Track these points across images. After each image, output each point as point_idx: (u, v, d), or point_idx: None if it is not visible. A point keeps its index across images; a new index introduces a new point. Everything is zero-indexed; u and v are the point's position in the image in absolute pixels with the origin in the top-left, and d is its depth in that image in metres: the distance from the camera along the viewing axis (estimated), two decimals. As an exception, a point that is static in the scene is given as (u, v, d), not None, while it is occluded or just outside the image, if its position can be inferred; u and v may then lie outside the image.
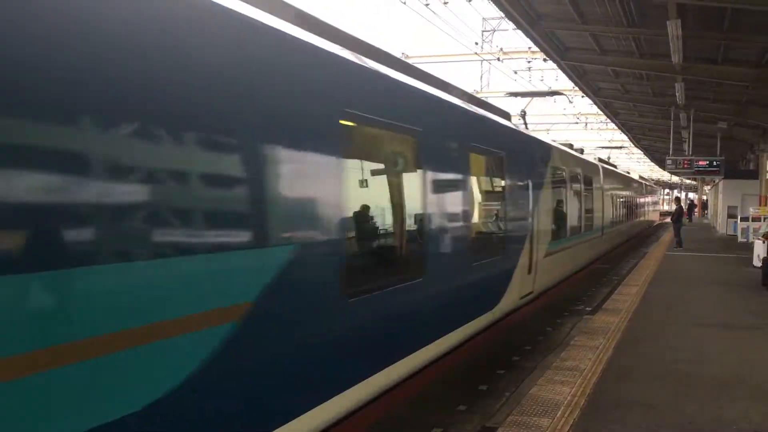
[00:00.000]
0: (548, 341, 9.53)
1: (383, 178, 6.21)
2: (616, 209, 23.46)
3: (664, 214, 70.24)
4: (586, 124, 44.19)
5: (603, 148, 43.29)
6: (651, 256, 22.57)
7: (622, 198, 25.94)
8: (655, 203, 54.11)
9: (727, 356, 8.58)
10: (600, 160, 23.54)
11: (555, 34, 18.98)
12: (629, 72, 23.09)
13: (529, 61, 26.17)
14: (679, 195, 50.80)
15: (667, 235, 33.16)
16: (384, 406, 6.35)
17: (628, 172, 36.90)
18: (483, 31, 30.01)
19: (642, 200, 36.79)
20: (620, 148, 46.77)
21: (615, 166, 29.51)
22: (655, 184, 66.39)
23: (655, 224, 50.71)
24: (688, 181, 75.09)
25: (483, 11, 24.89)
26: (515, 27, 17.79)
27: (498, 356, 8.58)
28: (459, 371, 7.90)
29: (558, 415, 6.17)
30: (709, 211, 52.04)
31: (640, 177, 43.71)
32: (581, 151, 19.85)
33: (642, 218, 37.07)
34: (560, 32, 18.90)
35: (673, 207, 30.41)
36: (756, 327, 10.48)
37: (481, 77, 34.54)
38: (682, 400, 6.68)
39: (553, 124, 43.66)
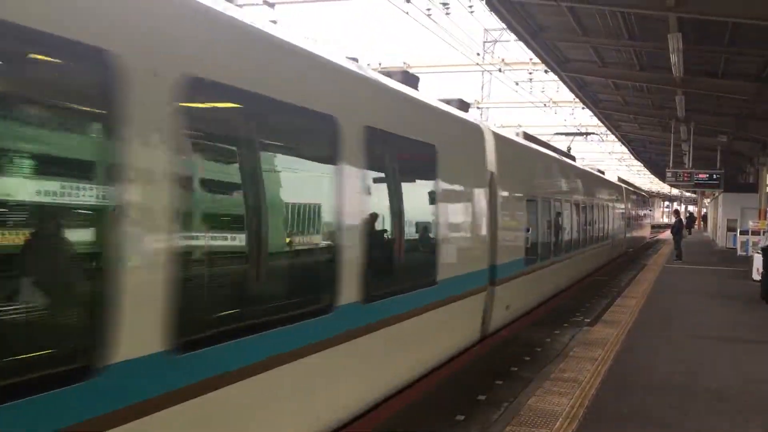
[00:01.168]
0: (547, 352, 9.53)
1: None
2: (556, 226, 13.94)
3: (659, 227, 69.52)
4: (587, 136, 44.27)
5: (563, 134, 28.86)
6: (650, 269, 22.56)
7: (574, 207, 16.08)
8: (645, 216, 42.03)
9: (726, 370, 8.58)
10: (527, 136, 14.04)
11: (556, 45, 19.05)
12: (630, 84, 23.16)
13: (530, 72, 26.25)
14: (678, 208, 49.94)
15: (666, 248, 33.16)
16: (382, 414, 6.35)
17: (602, 172, 26.59)
18: (484, 42, 30.17)
19: (618, 212, 25.74)
20: (588, 134, 33.15)
21: (571, 158, 19.52)
22: (648, 193, 54.01)
23: (645, 242, 41.51)
24: (687, 194, 75.20)
25: (485, 22, 24.98)
26: (517, 38, 17.86)
27: (496, 366, 8.58)
28: (457, 381, 7.90)
29: (556, 426, 6.17)
30: (709, 224, 52.06)
31: (621, 180, 32.34)
32: (462, 106, 9.88)
33: (620, 236, 26.43)
34: (561, 44, 18.97)
35: (673, 219, 30.47)
36: (755, 341, 10.48)
37: (482, 87, 34.66)
38: (681, 413, 6.68)
39: (554, 135, 43.74)
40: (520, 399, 7.05)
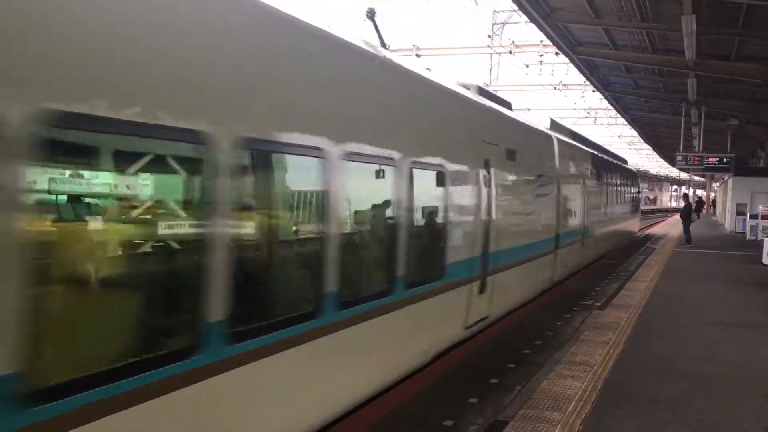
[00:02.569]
0: (558, 336, 9.55)
1: None
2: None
3: (665, 212, 68.29)
4: (596, 119, 44.08)
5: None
6: (659, 252, 22.52)
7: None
8: (624, 201, 24.67)
9: (737, 354, 8.57)
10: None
11: (567, 27, 18.91)
12: (641, 67, 22.99)
13: (540, 55, 26.07)
14: (687, 192, 49.07)
15: (675, 232, 33.08)
16: (396, 397, 6.38)
17: (507, 104, 11.63)
18: (493, 24, 29.93)
19: (541, 194, 12.36)
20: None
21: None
22: (627, 164, 30.01)
23: (628, 240, 26.65)
24: (696, 178, 74.88)
25: (494, 3, 24.80)
26: (528, 20, 17.74)
27: (508, 350, 8.61)
28: (470, 364, 7.92)
29: (569, 409, 6.19)
30: (718, 208, 51.83)
31: (557, 128, 16.07)
32: None
33: (537, 253, 11.69)
34: (573, 26, 18.83)
35: (682, 204, 30.33)
36: (767, 326, 10.46)
37: (491, 70, 34.47)
38: (693, 398, 6.69)
39: (562, 118, 43.60)
40: (533, 382, 7.08)
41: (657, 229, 40.31)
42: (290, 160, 5.04)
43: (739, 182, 33.34)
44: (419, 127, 6.94)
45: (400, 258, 6.19)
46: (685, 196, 34.57)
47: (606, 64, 23.45)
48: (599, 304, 12.23)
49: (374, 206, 6.28)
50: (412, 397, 6.56)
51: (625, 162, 29.16)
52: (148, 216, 4.02)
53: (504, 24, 29.98)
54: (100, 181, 3.90)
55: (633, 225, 28.71)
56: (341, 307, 5.21)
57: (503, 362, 7.98)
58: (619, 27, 17.97)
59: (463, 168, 8.02)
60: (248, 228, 4.53)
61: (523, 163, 10.71)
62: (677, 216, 49.51)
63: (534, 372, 7.56)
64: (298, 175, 5.25)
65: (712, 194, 64.26)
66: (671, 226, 40.65)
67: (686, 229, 26.30)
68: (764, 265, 16.99)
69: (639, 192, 31.70)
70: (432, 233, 7.35)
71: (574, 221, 15.10)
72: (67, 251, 3.52)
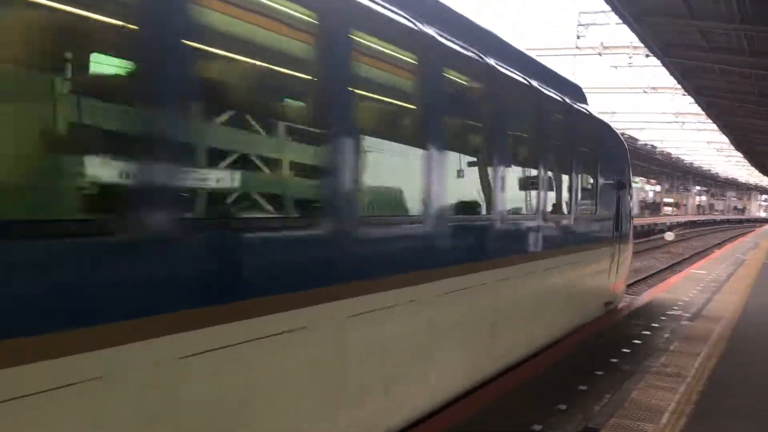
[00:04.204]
0: (646, 345, 9.28)
1: None
2: None
3: (753, 221, 65.13)
4: (683, 124, 42.60)
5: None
6: (750, 265, 21.59)
7: None
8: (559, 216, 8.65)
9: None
10: None
11: (661, 29, 18.33)
12: (736, 70, 22.05)
13: (630, 57, 25.36)
14: None
15: (765, 242, 31.63)
16: (480, 400, 6.36)
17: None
18: (578, 25, 29.28)
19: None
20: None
21: None
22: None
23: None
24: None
25: (581, 4, 24.29)
26: (619, 21, 17.29)
27: (596, 357, 8.45)
28: (557, 370, 7.81)
29: (663, 421, 6.03)
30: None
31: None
32: None
33: None
34: (666, 27, 18.23)
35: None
36: None
37: (573, 72, 33.83)
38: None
39: (648, 122, 42.36)
40: (623, 392, 6.94)
41: (746, 239, 38.50)
42: None
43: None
44: None
45: None
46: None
47: (698, 67, 22.61)
48: (688, 315, 11.83)
49: None
50: (497, 400, 6.52)
51: (580, 97, 10.52)
52: None
53: (589, 25, 29.35)
54: None
55: (596, 278, 10.82)
56: None
57: (590, 369, 7.83)
58: (716, 29, 17.28)
59: None
60: None
61: None
62: (766, 227, 47.27)
63: (623, 381, 7.39)
64: None
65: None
66: (761, 237, 38.81)
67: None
68: None
69: (629, 187, 13.08)
70: None
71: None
72: None
